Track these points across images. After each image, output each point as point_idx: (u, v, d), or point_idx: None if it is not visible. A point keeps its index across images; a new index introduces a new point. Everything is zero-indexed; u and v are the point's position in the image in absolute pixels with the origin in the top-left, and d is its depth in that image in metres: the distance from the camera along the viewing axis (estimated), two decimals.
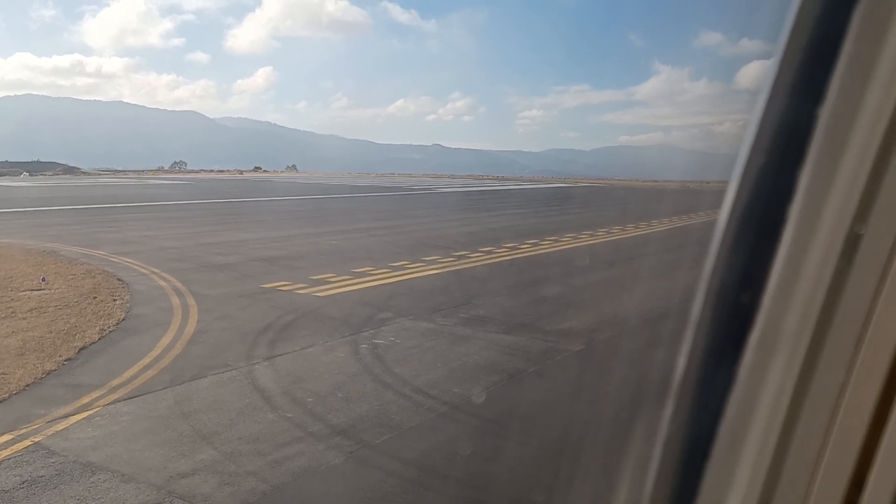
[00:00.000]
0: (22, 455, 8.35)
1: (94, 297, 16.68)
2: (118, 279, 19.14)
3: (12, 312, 15.23)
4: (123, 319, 14.87)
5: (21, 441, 8.75)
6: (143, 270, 20.73)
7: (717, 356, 1.16)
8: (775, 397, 1.07)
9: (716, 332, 1.17)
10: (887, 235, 0.99)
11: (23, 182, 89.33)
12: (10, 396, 10.34)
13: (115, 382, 10.94)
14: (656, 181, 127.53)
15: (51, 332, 13.69)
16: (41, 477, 7.81)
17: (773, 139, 1.11)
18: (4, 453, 8.40)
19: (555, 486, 8.02)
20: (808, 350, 1.05)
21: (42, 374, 11.30)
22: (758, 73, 1.21)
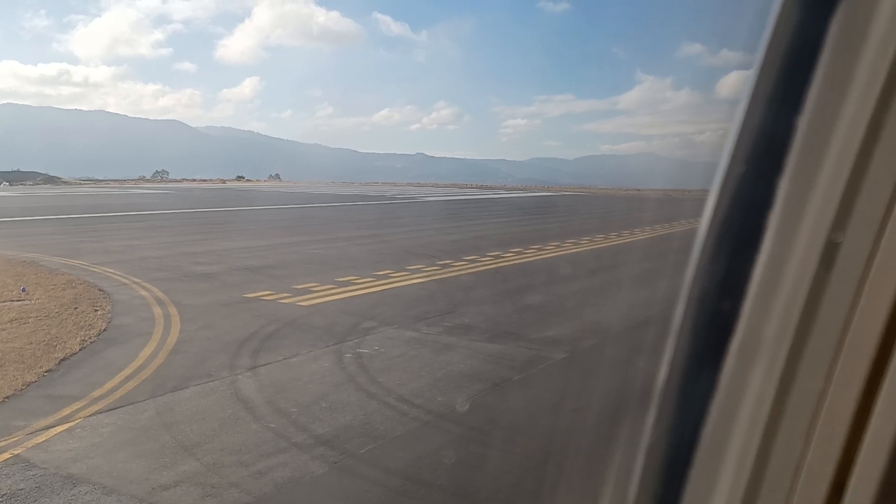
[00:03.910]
0: (0, 468, 8.24)
1: (75, 308, 16.53)
2: (99, 289, 18.98)
3: None
4: (105, 330, 14.74)
5: (0, 454, 8.64)
6: (125, 280, 20.57)
7: (698, 363, 1.17)
8: (756, 404, 1.08)
9: (697, 339, 1.18)
10: (865, 244, 1.01)
11: (2, 192, 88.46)
12: None
13: (97, 393, 10.84)
14: (639, 189, 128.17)
15: (31, 343, 13.54)
16: (21, 490, 7.71)
17: (753, 148, 1.12)
18: None
19: (539, 494, 8.01)
20: (788, 357, 1.05)
21: (22, 385, 11.17)
22: (737, 83, 1.22)
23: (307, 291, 19.22)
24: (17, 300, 17.42)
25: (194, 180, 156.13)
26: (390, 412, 10.28)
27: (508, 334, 15.00)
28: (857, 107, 1.01)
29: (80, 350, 13.26)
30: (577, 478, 7.61)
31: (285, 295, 18.69)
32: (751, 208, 1.10)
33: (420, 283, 21.54)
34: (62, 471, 8.20)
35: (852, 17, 1.01)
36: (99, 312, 16.20)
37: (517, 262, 26.81)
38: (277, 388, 11.22)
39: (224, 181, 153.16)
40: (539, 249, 30.51)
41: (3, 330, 14.54)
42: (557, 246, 32.01)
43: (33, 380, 11.47)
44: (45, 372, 11.90)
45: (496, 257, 27.49)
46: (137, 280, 20.60)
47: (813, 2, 1.06)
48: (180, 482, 7.99)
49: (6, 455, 8.61)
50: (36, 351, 12.99)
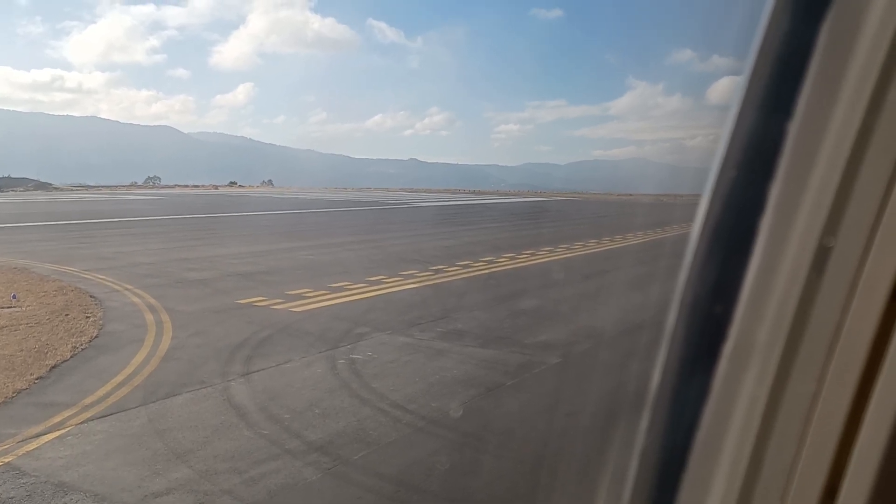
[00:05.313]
0: None
1: (67, 315, 16.44)
2: (91, 296, 18.89)
3: None
4: (96, 337, 14.67)
5: None
6: (117, 287, 20.48)
7: (691, 368, 1.17)
8: (749, 408, 1.09)
9: (690, 343, 1.18)
10: (856, 248, 1.01)
11: None
12: None
13: (88, 401, 10.78)
14: (631, 195, 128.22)
15: (22, 350, 13.46)
16: (11, 498, 7.66)
17: (744, 153, 1.13)
18: None
19: (534, 498, 8.00)
20: (781, 360, 1.06)
21: (12, 393, 11.10)
22: (728, 88, 1.23)
23: (300, 297, 19.17)
24: (8, 307, 17.33)
25: (186, 186, 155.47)
26: (384, 418, 10.26)
27: (502, 339, 14.99)
28: (848, 112, 1.02)
29: (72, 357, 13.19)
30: (572, 482, 7.61)
31: (278, 301, 18.64)
32: (742, 213, 1.11)
33: (413, 288, 21.52)
34: (53, 478, 8.15)
35: (842, 23, 1.02)
36: (90, 319, 16.12)
37: (510, 267, 26.81)
38: (270, 395, 11.18)
39: (216, 187, 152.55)
40: (532, 254, 30.52)
41: None
42: (550, 251, 32.03)
43: (24, 387, 11.41)
44: (36, 379, 11.83)
45: (489, 262, 27.48)
46: (129, 286, 20.50)
47: (803, 8, 1.07)
48: (173, 489, 7.95)
49: None
50: (27, 358, 12.92)
